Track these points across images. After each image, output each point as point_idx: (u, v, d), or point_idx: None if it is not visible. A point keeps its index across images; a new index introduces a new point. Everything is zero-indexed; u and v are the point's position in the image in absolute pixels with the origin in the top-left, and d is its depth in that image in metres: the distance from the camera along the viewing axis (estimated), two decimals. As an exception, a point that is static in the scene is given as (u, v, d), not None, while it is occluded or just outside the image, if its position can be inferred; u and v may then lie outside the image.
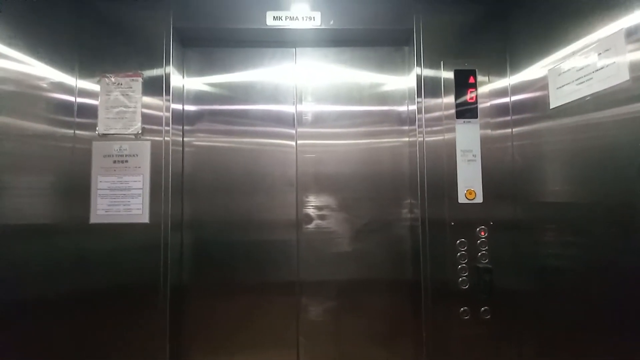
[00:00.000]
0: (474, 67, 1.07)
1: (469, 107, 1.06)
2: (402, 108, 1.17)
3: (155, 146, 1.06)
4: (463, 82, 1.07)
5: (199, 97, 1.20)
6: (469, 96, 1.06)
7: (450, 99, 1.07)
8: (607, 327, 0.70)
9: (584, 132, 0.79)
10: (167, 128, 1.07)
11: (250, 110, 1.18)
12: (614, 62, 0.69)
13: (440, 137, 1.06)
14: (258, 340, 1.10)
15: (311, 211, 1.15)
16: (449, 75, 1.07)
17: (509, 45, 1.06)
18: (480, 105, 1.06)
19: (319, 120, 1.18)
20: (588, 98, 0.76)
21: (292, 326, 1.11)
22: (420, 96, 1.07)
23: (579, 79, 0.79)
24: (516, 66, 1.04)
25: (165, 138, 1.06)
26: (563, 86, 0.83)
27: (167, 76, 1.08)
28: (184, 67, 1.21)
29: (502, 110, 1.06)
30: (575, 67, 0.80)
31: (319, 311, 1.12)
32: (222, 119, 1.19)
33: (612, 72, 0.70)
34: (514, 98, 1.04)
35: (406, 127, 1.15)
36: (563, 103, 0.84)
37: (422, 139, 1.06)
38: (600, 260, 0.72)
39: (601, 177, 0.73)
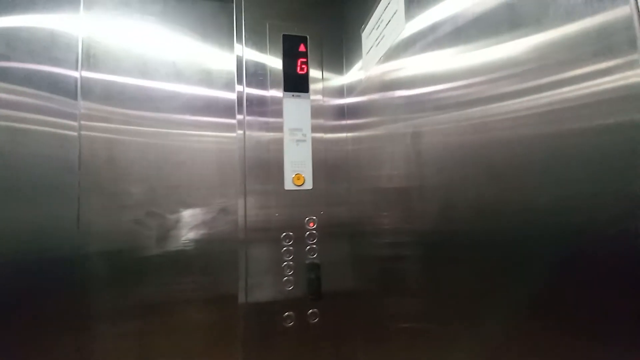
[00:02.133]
0: (305, 34, 0.94)
1: (298, 79, 0.92)
2: (230, 94, 0.93)
3: None
4: (292, 51, 0.93)
5: None
6: (299, 67, 0.93)
7: (277, 70, 0.92)
8: (446, 328, 0.61)
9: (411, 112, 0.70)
10: None
11: (11, 69, 0.83)
12: (397, 10, 0.61)
13: (264, 119, 0.89)
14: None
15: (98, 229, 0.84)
16: (276, 41, 0.92)
17: (347, 5, 0.95)
18: (312, 76, 0.94)
19: (115, 95, 0.87)
20: (383, 57, 0.67)
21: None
22: (242, 68, 0.89)
23: (376, 39, 0.71)
24: (352, 34, 0.94)
25: None
26: (369, 50, 0.75)
27: None
28: None
29: (336, 82, 0.96)
30: (375, 25, 0.72)
31: (117, 332, 0.84)
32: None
33: (395, 23, 0.61)
34: (349, 72, 0.95)
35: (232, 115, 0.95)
36: (369, 70, 0.75)
37: (242, 117, 0.88)
38: (435, 249, 0.60)
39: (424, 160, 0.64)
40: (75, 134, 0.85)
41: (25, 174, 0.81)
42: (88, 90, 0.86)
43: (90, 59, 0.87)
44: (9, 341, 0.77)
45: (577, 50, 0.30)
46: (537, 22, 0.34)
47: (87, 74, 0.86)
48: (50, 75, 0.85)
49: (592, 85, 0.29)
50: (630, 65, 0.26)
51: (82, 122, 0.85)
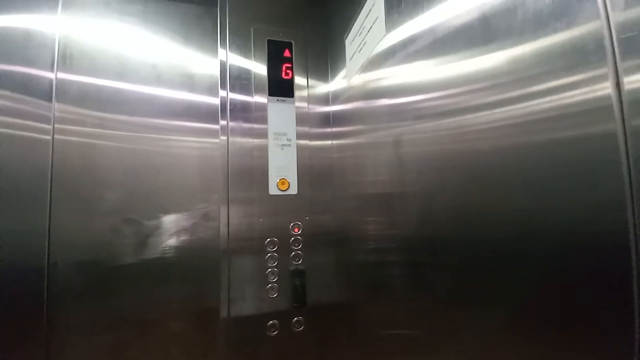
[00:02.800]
0: (290, 40, 0.94)
1: (283, 84, 0.92)
2: (214, 99, 0.91)
3: None
4: (277, 56, 0.92)
5: None
6: (284, 72, 0.92)
7: (262, 75, 0.91)
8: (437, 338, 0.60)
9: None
10: None
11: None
12: (377, 17, 0.61)
13: (249, 125, 0.88)
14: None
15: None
16: (261, 46, 0.91)
17: (331, 11, 0.95)
18: (297, 83, 0.93)
19: (92, 98, 0.84)
20: (365, 64, 0.67)
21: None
22: (226, 73, 0.88)
23: (359, 45, 0.71)
24: (336, 40, 0.94)
25: None
26: (352, 56, 0.75)
27: None
28: None
29: (321, 89, 0.95)
30: (358, 31, 0.72)
31: (90, 346, 0.81)
32: None
33: (376, 30, 0.62)
34: (334, 80, 0.95)
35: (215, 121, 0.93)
36: (352, 77, 0.75)
37: (225, 122, 0.86)
38: (418, 254, 0.58)
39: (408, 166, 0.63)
40: (48, 137, 0.81)
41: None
42: (63, 92, 0.82)
43: (67, 60, 0.84)
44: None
45: (549, 63, 0.31)
46: (510, 35, 0.35)
47: (62, 75, 0.83)
48: (23, 75, 0.81)
49: (564, 97, 0.29)
50: (600, 79, 0.26)
51: (56, 126, 0.82)
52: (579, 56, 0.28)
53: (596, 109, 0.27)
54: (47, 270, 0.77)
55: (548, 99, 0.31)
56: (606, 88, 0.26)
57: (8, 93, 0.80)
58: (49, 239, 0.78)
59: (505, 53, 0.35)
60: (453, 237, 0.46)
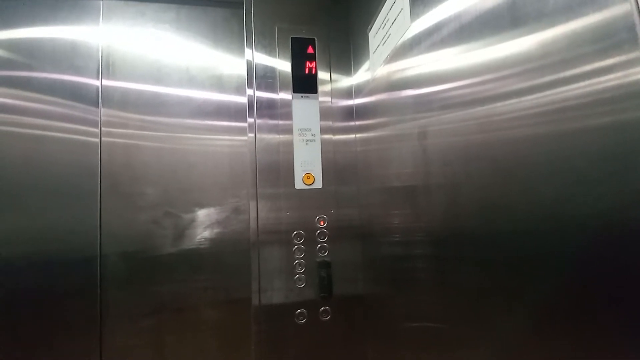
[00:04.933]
0: (312, 36, 0.95)
1: (307, 80, 0.94)
2: (241, 98, 0.96)
3: None
4: (301, 53, 0.94)
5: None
6: (307, 68, 0.94)
7: (286, 72, 0.93)
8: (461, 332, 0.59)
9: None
10: None
11: (35, 78, 0.88)
12: (402, 9, 0.61)
13: (274, 122, 0.91)
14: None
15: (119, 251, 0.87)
16: (285, 44, 0.94)
17: (353, 5, 0.95)
18: (320, 78, 0.95)
19: (133, 102, 0.91)
20: (390, 56, 0.67)
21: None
22: (252, 72, 0.91)
23: (383, 38, 0.71)
24: (359, 34, 0.94)
25: None
26: (376, 49, 0.75)
27: None
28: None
29: (344, 83, 0.96)
30: (382, 24, 0.72)
31: (134, 328, 0.88)
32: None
33: (401, 21, 0.62)
34: (357, 73, 0.95)
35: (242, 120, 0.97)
36: (376, 69, 0.76)
37: (252, 120, 0.90)
38: (444, 248, 0.58)
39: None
40: (96, 140, 0.89)
41: (50, 179, 0.86)
42: (108, 98, 0.90)
43: (110, 68, 0.91)
44: (37, 335, 0.82)
45: (579, 47, 0.30)
46: (539, 19, 0.34)
47: (107, 82, 0.91)
48: (72, 84, 0.90)
49: (596, 82, 0.29)
50: (632, 63, 0.26)
51: (103, 129, 0.90)
52: (609, 39, 0.27)
53: (629, 94, 0.26)
54: (100, 260, 0.86)
55: (579, 84, 0.30)
56: (637, 73, 0.25)
57: (60, 100, 0.89)
58: (100, 231, 0.86)
59: (535, 37, 0.35)
60: (479, 230, 0.45)
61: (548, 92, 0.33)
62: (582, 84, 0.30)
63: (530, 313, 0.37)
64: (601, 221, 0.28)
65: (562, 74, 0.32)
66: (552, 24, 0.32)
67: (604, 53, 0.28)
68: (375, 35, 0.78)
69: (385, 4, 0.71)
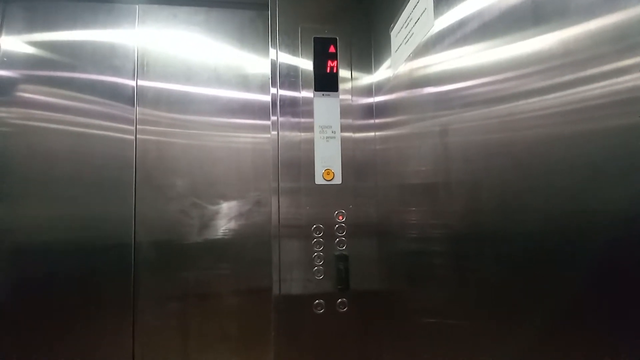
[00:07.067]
0: (335, 35, 0.97)
1: (328, 79, 0.96)
2: (265, 96, 1.00)
3: None
4: (323, 52, 0.96)
5: (17, 60, 0.94)
6: (329, 67, 0.96)
7: (309, 71, 0.96)
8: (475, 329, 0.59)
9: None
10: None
11: (76, 78, 0.96)
12: (425, 9, 0.62)
13: (296, 119, 0.94)
14: None
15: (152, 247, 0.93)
16: (308, 44, 0.97)
17: (376, 4, 0.96)
18: (341, 76, 0.97)
19: (164, 101, 0.97)
20: (411, 55, 0.68)
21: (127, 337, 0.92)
22: (276, 71, 0.94)
23: (405, 37, 0.72)
24: (380, 33, 0.95)
25: None
26: (398, 48, 0.76)
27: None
28: (4, 24, 0.96)
29: (365, 80, 0.98)
30: (404, 23, 0.73)
31: (163, 311, 0.95)
32: (44, 89, 0.95)
33: (424, 21, 0.62)
34: (378, 71, 0.97)
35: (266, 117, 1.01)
36: (397, 68, 0.77)
37: (275, 118, 0.94)
38: (462, 245, 0.57)
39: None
40: (132, 137, 0.96)
41: (91, 172, 0.93)
42: (142, 97, 0.97)
43: (144, 68, 0.98)
44: (77, 312, 0.90)
45: (600, 47, 0.30)
46: (560, 18, 0.34)
47: (142, 82, 0.97)
48: (111, 84, 0.97)
49: (615, 83, 0.29)
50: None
51: (138, 127, 0.96)
52: (631, 39, 0.28)
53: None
54: (134, 247, 0.93)
55: (600, 84, 0.30)
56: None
57: (100, 99, 0.96)
58: (134, 221, 0.93)
59: (556, 35, 0.35)
60: (499, 227, 0.45)
61: (569, 91, 0.34)
62: (602, 83, 0.30)
63: (552, 310, 0.37)
64: (622, 219, 0.28)
65: (583, 73, 0.32)
66: (573, 22, 0.33)
67: (624, 53, 0.28)
68: (398, 34, 0.79)
69: (409, 3, 0.72)
